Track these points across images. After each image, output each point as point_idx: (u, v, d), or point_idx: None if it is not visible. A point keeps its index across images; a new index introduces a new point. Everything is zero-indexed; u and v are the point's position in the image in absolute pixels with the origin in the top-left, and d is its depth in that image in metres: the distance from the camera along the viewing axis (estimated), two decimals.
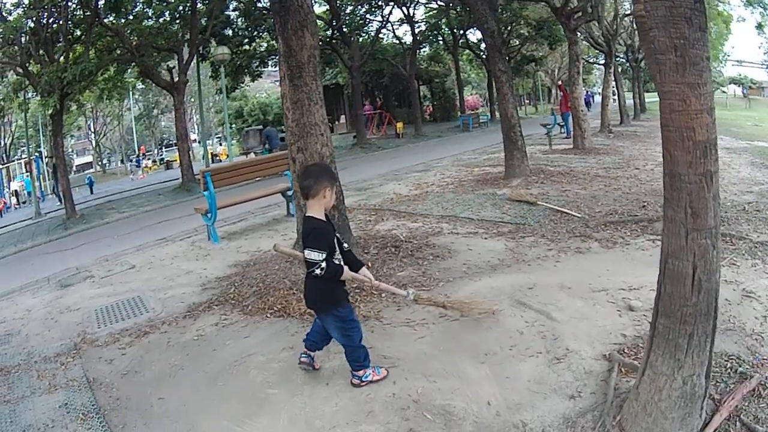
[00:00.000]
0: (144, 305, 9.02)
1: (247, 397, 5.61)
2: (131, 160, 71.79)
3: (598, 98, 45.93)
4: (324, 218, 5.19)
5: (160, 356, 6.91)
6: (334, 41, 38.16)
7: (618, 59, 38.13)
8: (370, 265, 8.58)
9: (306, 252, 4.99)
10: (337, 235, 5.38)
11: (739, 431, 4.10)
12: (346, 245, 5.48)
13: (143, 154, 74.02)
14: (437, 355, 5.87)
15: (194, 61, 31.21)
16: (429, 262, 9.07)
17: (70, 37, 25.86)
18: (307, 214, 5.21)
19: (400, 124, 44.72)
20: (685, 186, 3.73)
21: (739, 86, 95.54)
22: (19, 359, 7.41)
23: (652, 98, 50.73)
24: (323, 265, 4.95)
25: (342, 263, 5.26)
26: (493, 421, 4.70)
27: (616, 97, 38.28)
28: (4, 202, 45.31)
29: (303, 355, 5.77)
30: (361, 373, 5.40)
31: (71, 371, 6.81)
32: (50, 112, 25.23)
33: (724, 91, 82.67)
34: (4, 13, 24.99)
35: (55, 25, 25.23)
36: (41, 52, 25.11)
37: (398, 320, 6.86)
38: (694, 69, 3.59)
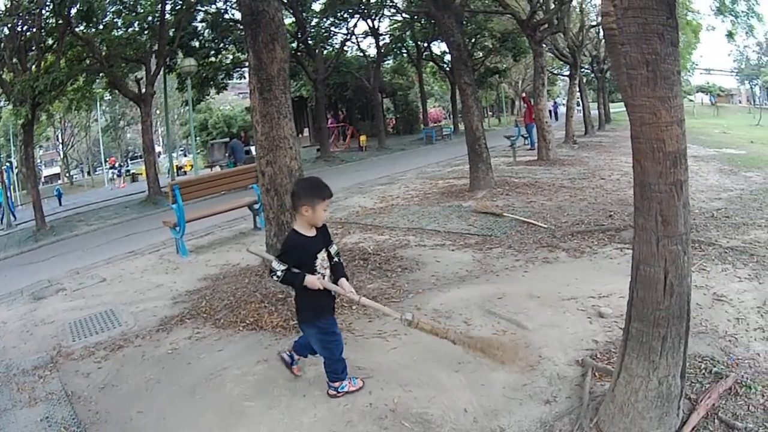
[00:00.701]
0: (117, 318, 8.98)
1: (224, 410, 5.61)
2: (115, 168, 71.89)
3: (563, 109, 46.19)
4: (307, 233, 5.25)
5: (135, 370, 6.89)
6: (299, 53, 38.16)
7: (583, 70, 38.40)
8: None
9: (272, 262, 5.14)
10: (330, 249, 5.45)
11: (718, 428, 4.19)
12: (336, 259, 5.53)
13: (112, 166, 73.76)
14: (411, 365, 5.93)
15: (161, 72, 31.12)
16: (398, 274, 9.13)
17: (42, 45, 25.81)
18: (292, 227, 5.34)
19: (363, 137, 44.81)
20: (656, 195, 3.83)
21: (706, 94, 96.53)
22: None
23: (616, 108, 51.32)
24: (279, 273, 5.04)
25: (320, 273, 5.28)
26: (471, 427, 4.76)
27: (581, 107, 38.48)
28: None
29: (286, 353, 5.86)
30: (337, 384, 5.44)
31: (50, 384, 6.79)
32: (22, 121, 25.05)
33: (691, 100, 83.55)
34: None
35: (28, 33, 25.13)
36: (14, 60, 24.97)
37: (370, 331, 6.91)
38: (665, 83, 3.69)
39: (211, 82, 37.55)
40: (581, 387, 5.02)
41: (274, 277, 5.09)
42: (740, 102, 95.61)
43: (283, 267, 5.05)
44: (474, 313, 7.10)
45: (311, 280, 5.12)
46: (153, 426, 5.54)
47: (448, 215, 13.20)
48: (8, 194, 37.47)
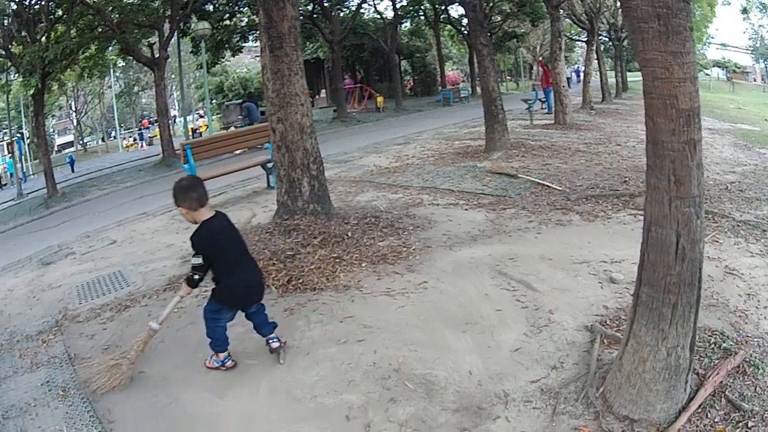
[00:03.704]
0: (125, 279, 8.93)
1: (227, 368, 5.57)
2: (139, 131, 72.52)
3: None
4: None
5: (140, 330, 6.81)
6: (314, 15, 37.95)
7: (600, 37, 38.04)
8: (349, 235, 8.65)
9: (193, 259, 5.38)
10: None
11: (725, 407, 4.10)
12: None
13: (146, 128, 74.29)
14: (418, 324, 5.87)
15: (175, 36, 30.99)
16: (409, 232, 9.03)
17: (51, 17, 25.74)
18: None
19: (380, 99, 44.52)
20: (669, 153, 3.72)
21: (722, 69, 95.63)
22: (1, 339, 7.31)
23: (634, 77, 50.76)
24: (196, 277, 5.35)
25: None
26: (475, 390, 4.70)
27: (597, 74, 38.19)
28: None
29: (272, 340, 5.66)
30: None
31: (53, 348, 6.74)
32: (32, 92, 25.08)
33: (707, 74, 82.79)
34: None
35: (36, 6, 25.07)
36: (23, 33, 24.96)
37: (378, 289, 6.85)
38: (677, 38, 3.57)
39: (226, 45, 37.44)
40: (589, 353, 4.96)
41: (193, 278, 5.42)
42: (755, 80, 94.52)
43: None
44: (484, 272, 7.03)
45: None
46: (154, 385, 5.50)
47: (463, 175, 13.10)
48: (20, 165, 37.74)
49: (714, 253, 7.14)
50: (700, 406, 4.05)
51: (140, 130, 72.99)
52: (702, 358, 4.60)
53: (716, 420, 4.00)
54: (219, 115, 57.23)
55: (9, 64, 27.01)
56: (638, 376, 4.04)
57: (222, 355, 5.52)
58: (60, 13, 26.45)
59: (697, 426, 3.95)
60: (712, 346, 4.83)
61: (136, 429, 4.93)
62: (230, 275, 5.34)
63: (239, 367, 5.55)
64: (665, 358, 3.95)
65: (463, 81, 74.18)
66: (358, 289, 6.90)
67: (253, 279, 5.59)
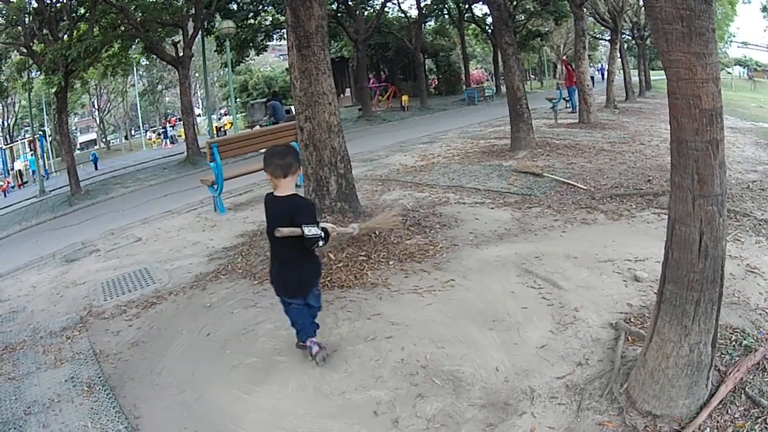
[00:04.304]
0: (150, 277, 9.03)
1: (255, 364, 5.65)
2: (163, 128, 73.09)
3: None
4: None
5: (167, 326, 6.93)
6: (339, 14, 38.06)
7: (624, 36, 37.81)
8: (377, 233, 8.62)
9: (307, 229, 4.87)
10: None
11: (744, 404, 4.13)
12: None
13: (172, 125, 74.64)
14: (445, 322, 5.93)
15: (199, 35, 31.13)
16: (436, 230, 9.08)
17: (74, 15, 25.94)
18: (287, 194, 5.17)
19: (405, 97, 44.61)
20: (692, 153, 3.76)
21: (744, 68, 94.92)
22: (24, 336, 7.41)
23: (657, 76, 50.39)
24: (323, 234, 4.93)
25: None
26: (502, 386, 4.75)
27: (621, 73, 38.01)
28: (8, 182, 45.51)
29: (312, 346, 5.49)
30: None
31: (77, 345, 6.83)
32: (54, 89, 25.33)
33: (729, 72, 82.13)
34: None
35: (58, 4, 25.28)
36: (45, 31, 25.17)
37: (406, 287, 6.91)
38: (700, 39, 3.61)
39: (251, 44, 37.63)
40: (613, 350, 4.99)
41: (320, 244, 4.97)
42: None
43: (321, 232, 4.94)
44: (510, 270, 7.08)
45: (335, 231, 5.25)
46: (181, 381, 5.58)
47: (488, 174, 13.11)
48: (42, 162, 37.99)
49: (736, 252, 7.12)
50: (720, 402, 4.09)
51: (164, 128, 73.30)
52: (723, 355, 4.63)
53: (736, 416, 4.03)
54: (243, 114, 57.42)
55: (31, 62, 27.22)
56: (661, 372, 4.08)
57: (310, 341, 5.45)
58: (82, 11, 26.69)
59: (718, 422, 3.98)
60: (733, 343, 4.85)
61: (163, 424, 4.99)
62: None
63: (267, 364, 5.61)
64: (688, 354, 3.99)
65: (488, 80, 74.15)
66: (386, 287, 6.96)
67: (274, 271, 5.55)
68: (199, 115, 68.57)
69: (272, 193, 5.26)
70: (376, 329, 5.93)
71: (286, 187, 5.12)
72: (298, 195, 5.12)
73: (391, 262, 7.67)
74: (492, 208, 10.26)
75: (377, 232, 8.53)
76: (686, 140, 3.78)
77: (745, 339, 4.90)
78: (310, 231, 4.83)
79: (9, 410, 5.55)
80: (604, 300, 6.04)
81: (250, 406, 5.03)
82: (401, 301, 6.56)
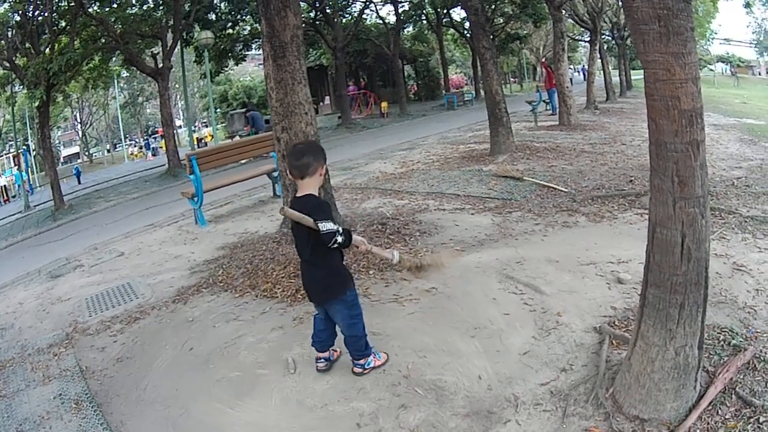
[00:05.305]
0: (134, 291, 9.02)
1: (238, 378, 5.61)
2: (145, 141, 73.97)
3: None
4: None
5: (150, 341, 6.90)
6: (317, 22, 38.06)
7: (603, 36, 37.95)
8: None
9: (321, 224, 4.66)
10: None
11: (735, 404, 4.09)
12: None
13: (162, 136, 75.32)
14: (427, 330, 5.89)
15: (178, 46, 31.11)
16: (416, 238, 9.06)
17: (55, 28, 25.90)
18: (303, 194, 4.91)
19: (384, 104, 44.71)
20: (672, 155, 3.71)
21: (726, 64, 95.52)
22: (12, 353, 7.42)
23: (638, 76, 50.52)
24: (339, 239, 4.68)
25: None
26: (485, 395, 4.71)
27: (602, 73, 38.13)
28: None
29: (319, 361, 5.50)
30: (362, 361, 5.28)
31: (64, 361, 6.82)
32: (37, 104, 25.25)
33: (711, 69, 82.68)
34: None
35: (40, 18, 25.28)
36: (27, 45, 25.17)
37: (386, 296, 6.89)
38: (678, 39, 3.56)
39: (230, 54, 37.56)
40: (598, 355, 4.95)
41: (339, 239, 4.69)
42: (760, 74, 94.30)
43: (337, 226, 4.73)
44: (491, 276, 7.03)
45: (358, 240, 5.00)
46: (165, 397, 5.55)
47: (468, 179, 13.13)
48: (27, 177, 37.91)
49: (722, 250, 7.11)
50: (710, 403, 4.05)
51: (146, 140, 73.42)
52: (711, 356, 4.60)
53: (727, 417, 3.99)
54: (224, 124, 57.41)
55: (13, 76, 27.16)
56: (647, 376, 4.04)
57: (369, 358, 5.33)
58: (63, 24, 26.64)
59: (708, 423, 3.94)
60: (722, 343, 4.82)
61: None
62: None
63: (250, 378, 5.58)
64: (674, 357, 3.95)
65: (467, 84, 74.29)
66: (367, 297, 6.91)
67: (303, 277, 5.37)
68: (180, 127, 68.75)
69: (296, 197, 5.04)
70: None
71: (305, 187, 4.91)
72: (314, 195, 4.90)
73: (371, 272, 7.66)
74: (472, 214, 10.25)
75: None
76: (665, 142, 3.73)
77: (733, 338, 4.86)
78: (325, 226, 4.65)
79: (2, 427, 5.58)
80: (587, 304, 6.01)
81: (233, 420, 5.00)
82: (382, 311, 6.51)
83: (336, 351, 5.61)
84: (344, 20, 42.61)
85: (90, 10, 26.55)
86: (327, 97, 57.62)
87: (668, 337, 3.94)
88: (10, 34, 25.31)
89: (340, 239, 4.68)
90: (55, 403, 5.81)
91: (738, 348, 4.69)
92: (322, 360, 5.48)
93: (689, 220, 3.77)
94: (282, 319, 6.65)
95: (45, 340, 7.65)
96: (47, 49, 25.35)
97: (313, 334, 5.44)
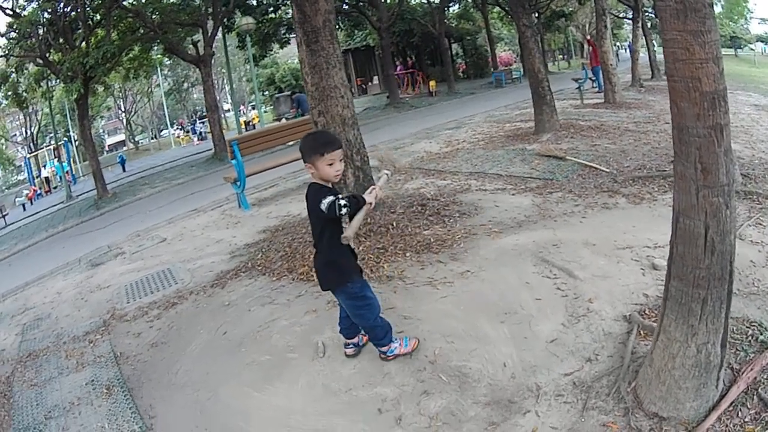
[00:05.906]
0: (173, 277, 9.14)
1: (267, 362, 5.66)
2: (191, 125, 74.51)
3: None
4: (327, 186, 4.82)
5: (186, 326, 7.01)
6: (361, 3, 38.02)
7: (648, 14, 37.38)
8: (395, 225, 8.63)
9: (321, 205, 4.53)
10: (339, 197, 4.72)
11: (756, 406, 3.93)
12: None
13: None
14: (457, 315, 5.85)
15: (220, 33, 31.21)
16: (455, 219, 8.96)
17: (89, 22, 26.17)
18: (311, 182, 4.87)
19: (432, 83, 44.52)
20: (694, 140, 3.57)
21: (766, 44, 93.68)
22: (48, 342, 7.57)
23: None
24: (342, 201, 4.51)
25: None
26: (508, 383, 4.69)
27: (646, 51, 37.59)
28: (35, 190, 46.07)
29: (348, 347, 5.51)
30: (384, 348, 5.25)
31: (99, 348, 6.95)
32: (75, 97, 25.65)
33: (752, 49, 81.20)
34: (17, 9, 25.44)
35: (72, 14, 25.52)
36: (60, 40, 25.43)
37: (421, 279, 6.84)
38: (696, 16, 3.41)
39: (273, 38, 37.76)
40: (625, 345, 4.86)
41: (341, 204, 4.49)
42: None
43: (334, 197, 4.55)
44: (527, 260, 6.95)
45: (370, 197, 4.80)
46: (196, 381, 5.64)
47: (512, 159, 13.04)
48: (69, 168, 38.38)
49: (757, 237, 6.91)
50: (731, 404, 3.92)
51: (192, 124, 73.90)
52: (738, 352, 4.42)
53: (746, 420, 3.85)
54: (271, 107, 57.70)
55: (48, 72, 27.45)
56: (668, 373, 3.94)
57: (392, 345, 5.28)
58: (98, 18, 26.91)
59: (727, 425, 3.82)
60: (749, 338, 4.60)
61: (176, 422, 5.10)
62: None
63: (280, 361, 5.63)
64: (695, 354, 3.83)
65: (516, 61, 73.79)
66: (401, 280, 6.90)
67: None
68: (228, 110, 69.18)
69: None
70: None
71: (313, 174, 4.82)
72: (313, 184, 4.82)
73: (408, 254, 7.61)
74: (513, 194, 10.16)
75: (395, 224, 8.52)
76: (687, 126, 3.60)
77: (762, 334, 4.63)
78: (323, 204, 4.52)
79: (30, 416, 5.69)
80: (620, 290, 5.91)
81: (260, 404, 5.07)
82: (415, 294, 6.50)
83: (365, 336, 5.58)
84: (388, 1, 42.49)
85: (125, 3, 26.90)
86: (375, 77, 57.60)
87: (690, 333, 3.83)
88: (41, 31, 25.64)
89: (342, 204, 4.51)
90: (86, 390, 5.93)
91: (765, 345, 4.49)
92: (351, 345, 5.49)
93: (713, 210, 3.63)
94: (316, 303, 6.68)
95: (81, 327, 7.79)
96: (83, 43, 25.70)
97: (339, 321, 5.45)
